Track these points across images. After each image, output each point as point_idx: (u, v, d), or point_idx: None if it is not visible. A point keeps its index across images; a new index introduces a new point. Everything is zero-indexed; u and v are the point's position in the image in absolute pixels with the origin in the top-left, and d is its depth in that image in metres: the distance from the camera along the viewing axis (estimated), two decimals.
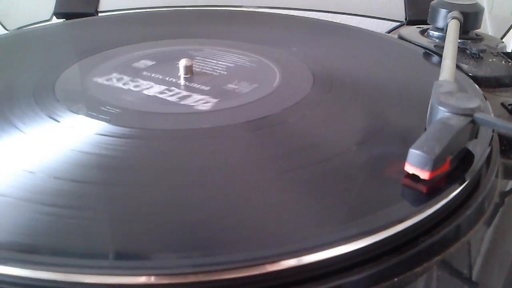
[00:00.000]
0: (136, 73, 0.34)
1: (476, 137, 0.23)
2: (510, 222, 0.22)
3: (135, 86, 0.32)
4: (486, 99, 0.30)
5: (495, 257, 0.20)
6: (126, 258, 0.17)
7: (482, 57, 0.38)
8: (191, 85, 0.32)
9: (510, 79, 0.35)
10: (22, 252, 0.17)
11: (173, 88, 0.31)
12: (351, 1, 0.59)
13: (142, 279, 0.16)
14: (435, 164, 0.20)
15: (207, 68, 0.35)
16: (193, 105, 0.29)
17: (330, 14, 0.59)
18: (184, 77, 0.33)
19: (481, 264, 0.20)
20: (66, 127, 0.26)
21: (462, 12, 0.40)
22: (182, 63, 0.33)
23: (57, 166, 0.22)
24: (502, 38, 0.50)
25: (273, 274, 0.17)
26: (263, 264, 0.17)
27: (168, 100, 0.30)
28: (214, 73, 0.34)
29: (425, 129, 0.23)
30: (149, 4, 0.57)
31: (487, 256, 0.20)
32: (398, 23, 0.57)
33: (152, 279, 0.16)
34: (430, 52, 0.39)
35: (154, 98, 0.30)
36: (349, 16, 0.59)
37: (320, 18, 0.53)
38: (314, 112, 0.28)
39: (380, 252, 0.18)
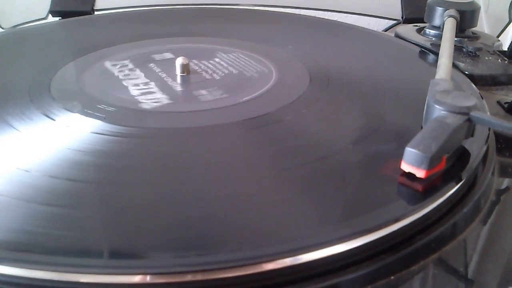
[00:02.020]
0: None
1: (472, 136, 0.23)
2: (506, 219, 0.23)
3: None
4: (482, 98, 0.30)
5: (491, 255, 0.20)
6: (123, 257, 0.17)
7: (479, 56, 0.38)
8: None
9: (506, 77, 0.35)
10: (17, 251, 0.17)
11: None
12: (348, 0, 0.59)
13: (138, 278, 0.16)
14: (431, 163, 0.20)
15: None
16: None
17: (327, 12, 0.59)
18: (181, 75, 0.33)
19: (477, 262, 0.20)
20: (62, 125, 0.26)
21: (458, 11, 0.40)
22: (179, 61, 0.33)
23: (52, 164, 0.22)
24: (498, 37, 0.51)
25: (269, 273, 0.17)
26: (260, 263, 0.17)
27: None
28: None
29: (422, 128, 0.23)
30: (145, 2, 0.56)
31: (483, 254, 0.20)
32: (394, 22, 0.57)
33: (148, 278, 0.16)
34: (427, 51, 0.39)
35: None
36: (346, 14, 0.59)
37: (316, 16, 0.53)
38: (311, 110, 0.28)
39: (376, 250, 0.18)
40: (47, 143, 0.24)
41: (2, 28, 0.55)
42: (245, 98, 0.29)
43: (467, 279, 0.19)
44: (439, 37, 0.38)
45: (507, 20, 0.51)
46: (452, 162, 0.22)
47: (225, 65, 0.35)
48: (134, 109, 0.28)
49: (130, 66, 0.35)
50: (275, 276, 0.17)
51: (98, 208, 0.20)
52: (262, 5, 0.58)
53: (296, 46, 0.40)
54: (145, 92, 0.30)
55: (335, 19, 0.53)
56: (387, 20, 0.58)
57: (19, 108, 0.28)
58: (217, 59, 0.36)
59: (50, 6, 0.53)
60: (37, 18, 0.55)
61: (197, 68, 0.34)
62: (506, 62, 0.37)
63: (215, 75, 0.33)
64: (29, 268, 0.16)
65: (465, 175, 0.22)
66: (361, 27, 0.47)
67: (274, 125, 0.27)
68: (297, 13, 0.54)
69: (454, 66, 0.34)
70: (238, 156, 0.24)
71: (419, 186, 0.20)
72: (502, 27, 0.52)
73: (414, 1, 0.53)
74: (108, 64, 0.35)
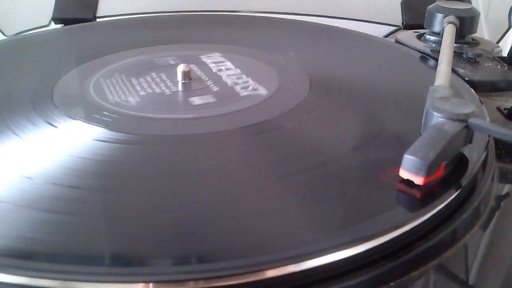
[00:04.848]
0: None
1: (470, 142, 0.23)
2: (506, 225, 0.23)
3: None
4: (481, 104, 0.30)
5: (491, 261, 0.20)
6: (125, 264, 0.17)
7: (478, 62, 0.38)
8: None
9: (506, 83, 0.35)
10: (19, 258, 0.17)
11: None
12: (349, 6, 0.59)
13: (141, 286, 0.16)
14: (429, 170, 0.20)
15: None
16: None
17: (327, 18, 0.59)
18: (182, 82, 0.33)
19: (477, 268, 0.20)
20: (64, 132, 0.26)
21: (458, 17, 0.40)
22: (180, 68, 0.33)
23: (54, 172, 0.22)
24: (498, 43, 0.51)
25: (270, 280, 0.17)
26: (261, 270, 0.17)
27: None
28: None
29: (421, 135, 0.23)
30: (147, 9, 0.57)
31: (483, 260, 0.21)
32: (395, 28, 0.57)
33: (151, 286, 0.16)
34: (427, 57, 0.39)
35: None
36: (346, 20, 0.59)
37: (317, 22, 0.53)
38: (311, 117, 0.28)
39: (376, 257, 0.18)
40: (50, 150, 0.25)
41: (5, 36, 0.55)
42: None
43: (467, 285, 0.19)
44: (439, 43, 0.38)
45: (507, 26, 0.51)
46: (451, 169, 0.22)
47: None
48: (136, 116, 0.28)
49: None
50: (276, 283, 0.17)
51: (100, 215, 0.20)
52: (262, 11, 0.58)
53: (297, 52, 0.40)
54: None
55: (335, 25, 0.54)
56: (387, 26, 0.58)
57: (22, 115, 0.28)
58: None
59: (53, 13, 0.54)
60: (40, 25, 0.55)
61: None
62: (505, 68, 0.37)
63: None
64: (31, 276, 0.16)
65: (464, 182, 0.22)
66: (362, 32, 0.47)
67: (275, 131, 0.27)
68: (297, 19, 0.55)
69: (454, 72, 0.34)
70: (239, 163, 0.24)
71: (417, 193, 0.21)
72: (502, 33, 0.52)
73: (414, 7, 0.54)
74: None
